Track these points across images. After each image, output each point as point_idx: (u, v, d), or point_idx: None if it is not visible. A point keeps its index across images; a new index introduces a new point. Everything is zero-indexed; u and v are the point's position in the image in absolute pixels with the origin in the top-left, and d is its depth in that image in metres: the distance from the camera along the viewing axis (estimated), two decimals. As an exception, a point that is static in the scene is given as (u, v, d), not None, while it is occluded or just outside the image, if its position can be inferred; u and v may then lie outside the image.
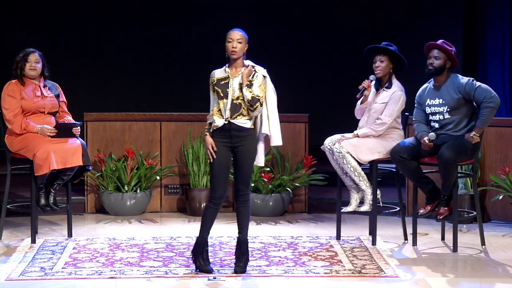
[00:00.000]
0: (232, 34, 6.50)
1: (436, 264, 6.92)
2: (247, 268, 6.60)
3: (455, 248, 7.30)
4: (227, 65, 6.58)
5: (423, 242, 7.68)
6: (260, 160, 6.61)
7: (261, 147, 6.61)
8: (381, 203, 7.64)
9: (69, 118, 7.76)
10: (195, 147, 8.96)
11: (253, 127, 6.54)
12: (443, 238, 7.79)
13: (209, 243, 6.65)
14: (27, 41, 9.26)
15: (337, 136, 7.55)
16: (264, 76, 6.54)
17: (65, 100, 7.83)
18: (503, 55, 11.12)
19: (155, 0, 12.57)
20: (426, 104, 7.39)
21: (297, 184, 8.98)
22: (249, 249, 6.71)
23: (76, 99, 8.99)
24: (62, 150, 7.41)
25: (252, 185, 8.87)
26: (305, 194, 9.20)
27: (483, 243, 7.49)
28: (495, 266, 6.89)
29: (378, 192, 7.56)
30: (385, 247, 7.47)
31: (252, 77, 6.50)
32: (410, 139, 7.44)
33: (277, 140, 6.61)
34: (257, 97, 6.44)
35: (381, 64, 7.53)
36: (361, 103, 7.64)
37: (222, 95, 6.50)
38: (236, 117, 6.49)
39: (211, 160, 6.51)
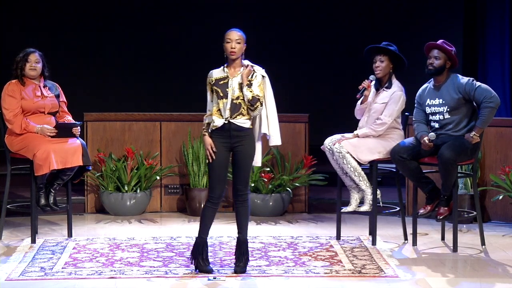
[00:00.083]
0: (231, 34, 6.50)
1: (436, 264, 6.92)
2: (247, 268, 6.60)
3: (455, 248, 7.30)
4: (225, 65, 6.58)
5: (423, 242, 7.68)
6: (257, 160, 6.62)
7: (259, 147, 6.61)
8: (381, 203, 7.64)
9: (69, 118, 7.76)
10: (195, 147, 8.96)
11: (251, 127, 6.55)
12: (443, 238, 7.79)
13: (209, 243, 6.65)
14: (27, 41, 9.25)
15: (337, 136, 7.55)
16: (263, 76, 6.55)
17: (65, 100, 7.83)
18: (503, 55, 11.12)
19: (155, 0, 12.57)
20: (426, 104, 7.39)
21: (297, 184, 8.98)
22: (249, 249, 6.71)
23: (76, 99, 8.99)
24: (62, 150, 7.41)
25: (252, 185, 8.87)
26: (305, 194, 9.20)
27: (483, 243, 7.49)
28: (495, 266, 6.89)
29: (378, 192, 7.56)
30: (385, 247, 7.47)
31: (251, 77, 6.50)
32: (410, 139, 7.44)
33: (276, 139, 6.62)
34: (257, 97, 6.44)
35: (381, 64, 7.53)
36: (361, 103, 7.64)
37: (221, 95, 6.51)
38: (235, 117, 6.49)
39: (210, 161, 6.51)
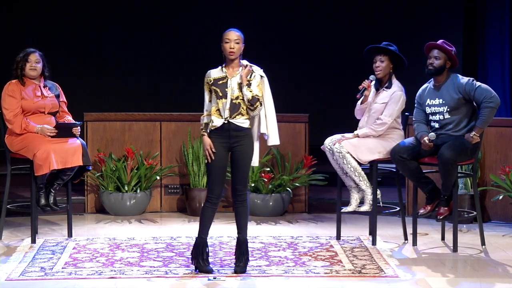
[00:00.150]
0: (229, 34, 6.50)
1: (436, 264, 6.92)
2: (247, 268, 6.60)
3: (455, 248, 7.30)
4: (223, 65, 6.58)
5: (423, 242, 7.68)
6: (255, 160, 6.62)
7: (256, 147, 6.62)
8: (381, 203, 7.64)
9: (69, 118, 7.76)
10: (195, 147, 8.96)
11: (250, 126, 6.56)
12: (443, 238, 7.79)
13: (209, 243, 6.65)
14: (27, 41, 9.25)
15: (337, 136, 7.55)
16: (261, 76, 6.55)
17: (65, 100, 7.83)
18: (503, 55, 11.12)
19: (155, 0, 12.57)
20: (426, 104, 7.39)
21: (297, 184, 8.98)
22: (249, 249, 6.71)
23: (76, 99, 8.99)
24: (62, 150, 7.41)
25: (252, 185, 8.88)
26: (305, 194, 9.20)
27: (483, 243, 7.48)
28: (495, 266, 6.89)
29: (378, 192, 7.56)
30: (385, 247, 7.47)
31: (250, 77, 6.51)
32: (410, 139, 7.44)
33: (274, 139, 6.63)
34: (256, 97, 6.45)
35: (381, 64, 7.53)
36: (361, 103, 7.64)
37: (221, 94, 6.51)
38: (235, 117, 6.49)
39: (209, 161, 6.51)
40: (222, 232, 7.93)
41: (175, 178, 9.22)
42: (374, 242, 7.51)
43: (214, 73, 6.58)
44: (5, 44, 11.96)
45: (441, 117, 7.31)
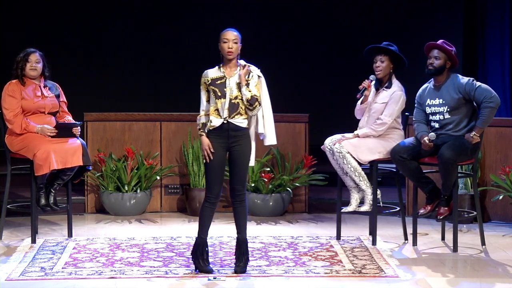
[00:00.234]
0: (227, 34, 6.51)
1: (436, 264, 6.92)
2: (247, 268, 6.60)
3: (455, 248, 7.30)
4: (221, 64, 6.59)
5: (423, 242, 7.68)
6: (251, 159, 6.63)
7: (253, 147, 6.62)
8: (381, 203, 7.64)
9: (69, 118, 7.76)
10: (195, 147, 8.96)
11: (248, 126, 6.56)
12: (443, 238, 7.79)
13: (209, 243, 6.65)
14: (27, 41, 9.25)
15: (338, 136, 7.55)
16: (259, 76, 6.56)
17: (65, 100, 7.83)
18: (503, 55, 11.12)
19: (155, 0, 12.57)
20: (426, 104, 7.39)
21: (297, 184, 8.98)
22: (249, 249, 6.71)
23: (76, 99, 8.98)
24: (62, 150, 7.41)
25: (252, 185, 8.88)
26: (305, 194, 9.20)
27: (483, 243, 7.49)
28: (495, 266, 6.89)
29: (378, 192, 7.56)
30: (385, 247, 7.47)
31: (248, 76, 6.51)
32: (410, 139, 7.44)
33: (271, 139, 6.64)
34: (255, 97, 6.45)
35: (381, 64, 7.53)
36: (361, 103, 7.64)
37: (219, 94, 6.51)
38: (234, 117, 6.49)
39: (208, 161, 6.51)
40: (222, 232, 7.93)
41: (175, 178, 9.22)
42: (374, 242, 7.51)
43: (212, 73, 6.58)
44: (5, 44, 11.96)
45: (441, 117, 7.31)
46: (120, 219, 8.76)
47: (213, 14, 12.31)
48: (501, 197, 8.27)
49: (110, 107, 10.14)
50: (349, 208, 7.59)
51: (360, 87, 7.59)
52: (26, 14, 12.38)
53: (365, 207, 7.50)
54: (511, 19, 10.98)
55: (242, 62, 6.57)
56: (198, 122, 6.61)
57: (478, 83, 7.23)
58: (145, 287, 6.27)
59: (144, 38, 12.55)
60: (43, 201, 7.57)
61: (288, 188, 8.97)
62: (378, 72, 7.54)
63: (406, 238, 7.73)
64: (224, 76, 6.53)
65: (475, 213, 7.63)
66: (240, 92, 6.47)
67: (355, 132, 7.58)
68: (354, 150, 7.44)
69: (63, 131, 7.52)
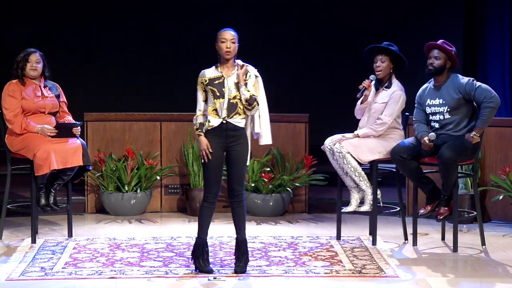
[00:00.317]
0: (225, 34, 6.51)
1: (436, 264, 6.92)
2: (247, 268, 6.60)
3: (455, 248, 7.31)
4: (218, 64, 6.58)
5: (423, 242, 7.68)
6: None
7: (249, 146, 6.64)
8: (381, 203, 7.64)
9: (69, 118, 7.76)
10: (195, 147, 8.96)
11: (245, 126, 6.57)
12: (443, 238, 7.79)
13: (209, 243, 6.65)
14: (27, 41, 9.25)
15: (338, 136, 7.55)
16: (256, 76, 6.56)
17: (66, 100, 7.83)
18: (503, 55, 11.12)
19: (155, 0, 12.57)
20: (426, 104, 7.39)
21: (297, 184, 8.98)
22: (249, 249, 6.72)
23: (76, 99, 8.99)
24: (62, 150, 7.41)
25: (252, 185, 8.88)
26: (305, 194, 9.20)
27: (483, 243, 7.49)
28: (495, 266, 6.90)
29: (378, 192, 7.56)
30: (385, 247, 7.47)
31: (246, 76, 6.52)
32: (410, 139, 7.44)
33: (267, 139, 6.65)
34: (254, 96, 6.46)
35: (382, 64, 7.53)
36: (361, 103, 7.64)
37: (218, 94, 6.51)
38: (232, 116, 6.50)
39: (206, 161, 6.51)
40: (222, 232, 7.93)
41: (175, 178, 9.22)
42: (374, 242, 7.51)
43: (209, 73, 6.58)
44: (5, 44, 11.96)
45: (441, 117, 7.31)
46: (120, 219, 8.77)
47: (213, 14, 12.31)
48: (501, 197, 8.27)
49: (110, 107, 10.14)
50: (349, 208, 7.59)
51: (360, 87, 7.59)
52: (26, 14, 12.38)
53: (365, 207, 7.50)
54: (511, 19, 10.98)
55: (239, 61, 6.57)
56: (195, 122, 6.61)
57: (478, 83, 7.23)
58: (145, 287, 6.27)
59: (144, 38, 12.55)
60: (43, 201, 7.57)
61: (288, 188, 8.97)
62: (379, 72, 7.54)
63: (406, 238, 7.73)
64: (222, 76, 6.54)
65: (475, 213, 7.63)
66: (239, 92, 6.48)
67: (355, 132, 7.58)
68: (354, 150, 7.44)
69: (63, 131, 7.52)
